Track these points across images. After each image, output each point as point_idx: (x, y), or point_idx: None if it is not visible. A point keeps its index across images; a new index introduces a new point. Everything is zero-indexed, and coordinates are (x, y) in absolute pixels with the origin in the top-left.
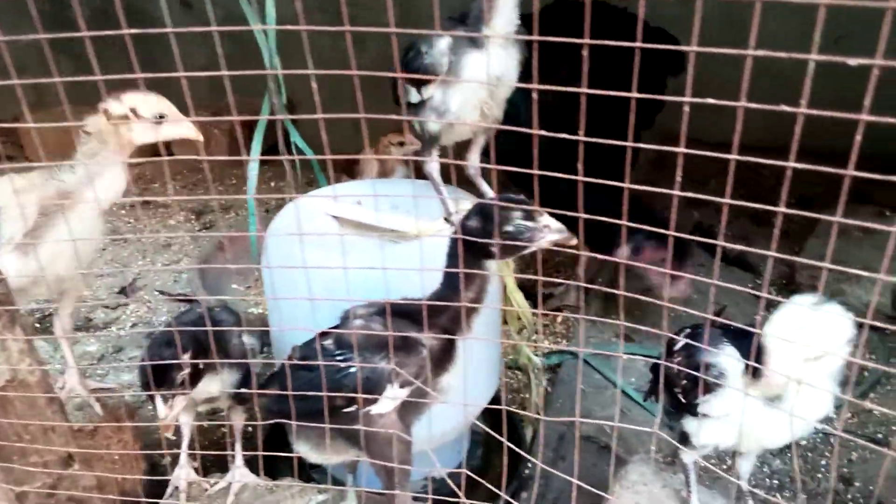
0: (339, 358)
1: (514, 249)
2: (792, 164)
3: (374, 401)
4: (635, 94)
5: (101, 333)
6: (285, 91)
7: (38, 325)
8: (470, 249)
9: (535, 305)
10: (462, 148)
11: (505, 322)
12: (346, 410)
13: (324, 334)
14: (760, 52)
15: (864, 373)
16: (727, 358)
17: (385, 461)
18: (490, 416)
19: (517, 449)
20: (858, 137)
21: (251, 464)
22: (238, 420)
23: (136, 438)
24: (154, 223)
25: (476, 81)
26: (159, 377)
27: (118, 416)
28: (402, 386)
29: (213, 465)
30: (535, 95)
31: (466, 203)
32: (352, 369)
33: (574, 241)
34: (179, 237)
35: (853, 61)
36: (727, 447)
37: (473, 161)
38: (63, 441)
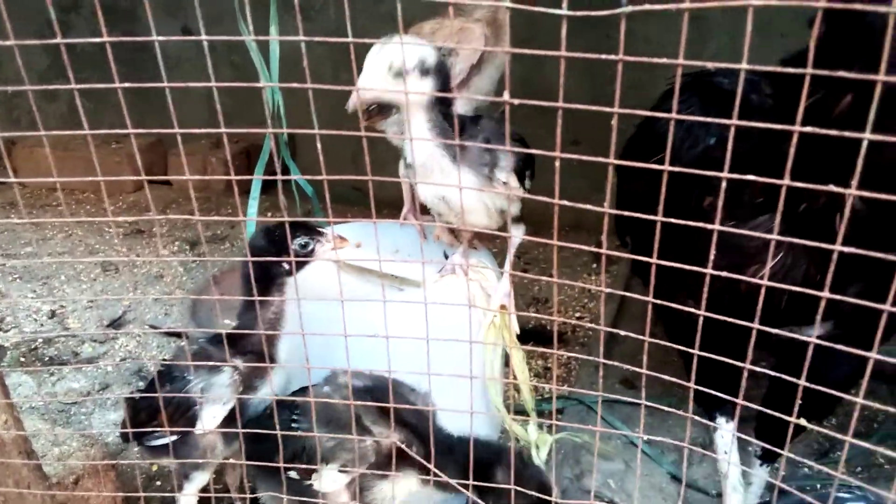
0: (293, 420)
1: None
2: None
3: (314, 472)
4: None
5: (89, 368)
6: (285, 124)
7: (22, 360)
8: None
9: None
10: None
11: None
12: (290, 476)
13: (298, 393)
14: None
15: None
16: None
17: None
18: None
19: None
20: None
21: None
22: (235, 473)
23: (118, 490)
24: (147, 253)
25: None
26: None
27: (101, 467)
28: (341, 469)
29: None
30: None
31: (485, 269)
32: (297, 433)
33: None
34: (172, 269)
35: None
36: None
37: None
38: (39, 501)
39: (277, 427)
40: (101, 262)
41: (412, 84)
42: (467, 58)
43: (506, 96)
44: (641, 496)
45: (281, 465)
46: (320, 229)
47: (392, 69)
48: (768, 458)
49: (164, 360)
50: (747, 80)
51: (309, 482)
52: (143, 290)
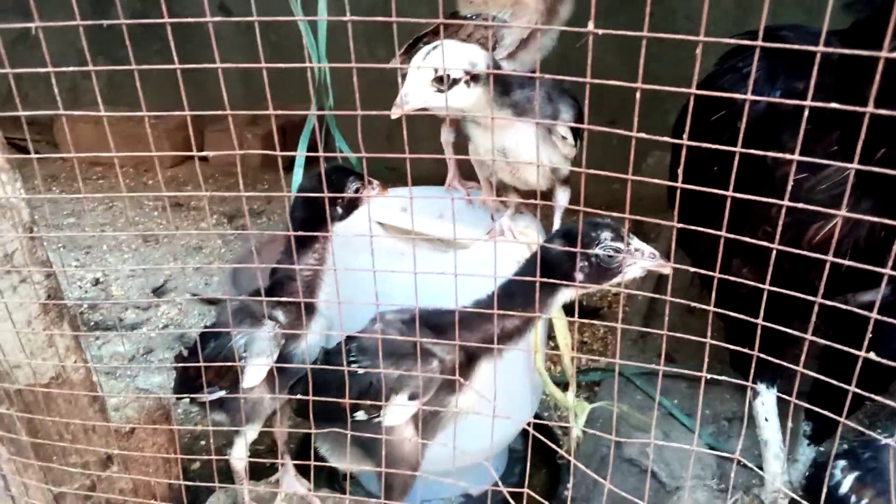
0: (352, 362)
1: (602, 278)
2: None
3: (380, 409)
4: None
5: (132, 333)
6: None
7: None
8: (549, 276)
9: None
10: None
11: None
12: (356, 418)
13: (350, 338)
14: None
15: None
16: None
17: (392, 474)
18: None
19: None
20: None
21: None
22: (284, 426)
23: (170, 442)
24: (186, 226)
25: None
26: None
27: (155, 419)
28: (410, 398)
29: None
30: None
31: (531, 231)
32: (358, 373)
33: (668, 270)
34: (211, 241)
35: None
36: None
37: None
38: (103, 442)
39: (345, 368)
40: (141, 233)
41: (460, 93)
42: (519, 30)
43: (590, 26)
44: (681, 465)
45: (348, 402)
46: (367, 177)
47: (436, 78)
48: (817, 438)
49: (207, 325)
50: (815, 35)
51: (378, 418)
52: (183, 261)
